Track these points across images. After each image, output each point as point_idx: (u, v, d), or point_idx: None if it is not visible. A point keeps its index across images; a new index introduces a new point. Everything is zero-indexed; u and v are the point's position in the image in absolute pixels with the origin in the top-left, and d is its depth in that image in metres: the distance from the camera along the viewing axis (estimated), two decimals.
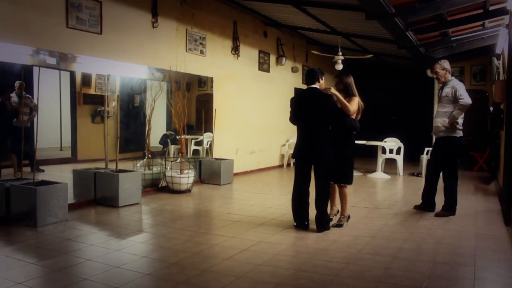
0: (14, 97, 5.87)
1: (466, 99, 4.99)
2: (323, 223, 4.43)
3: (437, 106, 5.42)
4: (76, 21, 5.34)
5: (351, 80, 4.68)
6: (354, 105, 4.52)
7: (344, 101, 4.42)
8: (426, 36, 8.21)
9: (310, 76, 4.53)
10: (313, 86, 4.49)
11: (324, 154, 4.38)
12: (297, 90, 11.10)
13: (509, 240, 4.22)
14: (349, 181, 4.66)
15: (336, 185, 4.74)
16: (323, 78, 4.57)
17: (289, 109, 4.63)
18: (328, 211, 4.62)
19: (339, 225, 4.61)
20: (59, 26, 5.18)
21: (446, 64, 5.34)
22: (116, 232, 4.40)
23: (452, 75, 5.44)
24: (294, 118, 4.60)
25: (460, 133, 5.13)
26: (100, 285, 2.96)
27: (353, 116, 4.56)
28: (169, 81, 7.04)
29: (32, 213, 4.40)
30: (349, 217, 4.74)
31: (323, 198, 4.45)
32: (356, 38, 9.24)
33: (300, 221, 4.53)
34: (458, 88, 5.07)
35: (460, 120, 5.08)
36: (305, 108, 4.45)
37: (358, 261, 3.54)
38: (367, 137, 9.77)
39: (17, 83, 5.60)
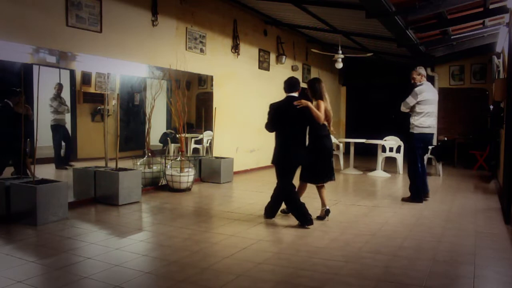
0: (56, 98, 5.95)
1: (401, 105, 5.95)
2: (271, 212, 4.87)
3: None
4: (76, 19, 5.33)
5: (320, 85, 4.95)
6: (321, 110, 4.73)
7: (316, 111, 4.64)
8: (426, 34, 8.21)
9: (290, 85, 4.78)
10: (293, 94, 4.73)
11: (302, 159, 4.71)
12: None
13: (509, 238, 4.23)
14: (320, 180, 4.94)
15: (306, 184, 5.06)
16: (300, 88, 4.84)
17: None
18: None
19: (320, 217, 4.90)
20: (59, 24, 5.17)
21: (421, 70, 5.98)
22: (116, 230, 4.41)
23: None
24: (272, 125, 4.78)
25: (418, 130, 5.81)
26: (100, 283, 2.96)
27: (321, 122, 4.76)
28: (169, 79, 7.04)
29: (32, 212, 4.40)
30: (327, 211, 4.95)
31: (280, 195, 4.80)
32: (356, 36, 9.24)
33: (302, 218, 4.61)
34: (411, 94, 5.85)
35: (417, 120, 5.78)
36: (285, 116, 4.68)
37: (358, 259, 3.54)
38: (367, 135, 9.79)
39: (56, 85, 5.92)
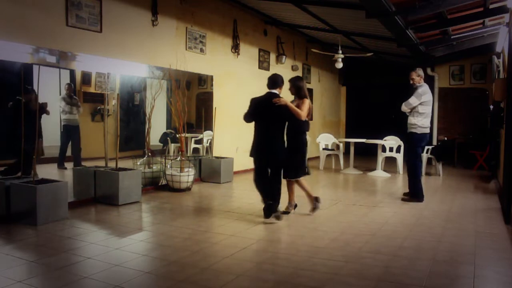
0: (66, 98, 5.97)
1: (403, 105, 5.98)
2: (272, 208, 4.79)
3: None
4: (76, 19, 5.33)
5: (302, 83, 5.08)
6: (305, 108, 4.84)
7: (295, 108, 4.75)
8: (426, 34, 8.21)
9: (272, 82, 4.87)
10: (274, 91, 4.82)
11: (278, 154, 4.78)
12: None
13: (509, 238, 4.23)
14: (300, 175, 5.05)
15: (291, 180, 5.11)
16: (282, 86, 4.92)
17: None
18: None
19: (286, 212, 5.07)
20: (59, 24, 5.17)
21: (420, 71, 6.05)
22: (116, 230, 4.41)
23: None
24: (250, 117, 4.90)
25: (420, 130, 5.90)
26: (100, 283, 2.96)
27: (305, 118, 4.90)
28: (169, 79, 7.04)
29: (32, 212, 4.40)
30: (295, 205, 5.23)
31: (274, 190, 4.83)
32: (356, 36, 9.24)
33: (269, 209, 4.72)
34: (415, 94, 5.90)
35: (420, 120, 5.88)
36: (264, 111, 4.77)
37: (358, 259, 3.54)
38: (367, 135, 9.79)
39: (66, 85, 5.98)
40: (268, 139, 4.77)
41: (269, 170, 4.88)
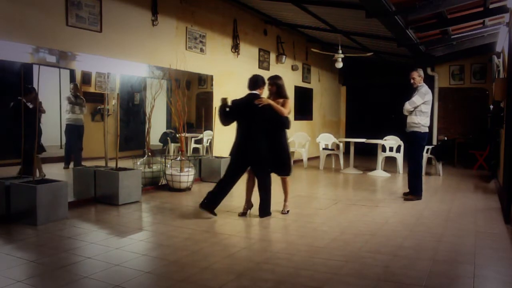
0: (70, 98, 5.98)
1: (407, 104, 5.98)
2: (265, 210, 4.94)
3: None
4: (76, 19, 5.33)
5: (282, 82, 5.08)
6: (288, 107, 4.90)
7: (278, 106, 4.79)
8: (426, 34, 8.21)
9: (253, 83, 4.91)
10: (255, 92, 4.87)
11: (260, 155, 4.81)
12: (297, 88, 11.12)
13: (509, 238, 4.23)
14: (288, 172, 5.09)
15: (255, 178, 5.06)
16: (264, 86, 4.97)
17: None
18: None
19: (285, 212, 5.12)
20: (59, 24, 5.17)
21: (421, 72, 6.12)
22: (116, 230, 4.41)
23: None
24: (228, 119, 4.98)
25: (423, 129, 5.98)
26: (100, 283, 2.96)
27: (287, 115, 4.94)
28: (169, 79, 7.04)
29: (32, 211, 4.40)
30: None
31: (265, 191, 4.91)
32: (356, 36, 9.24)
33: (210, 203, 4.79)
34: (418, 93, 5.95)
35: (423, 120, 5.92)
36: (246, 112, 4.81)
37: (358, 259, 3.54)
38: (367, 135, 9.79)
39: (71, 85, 6.02)
40: (251, 140, 4.79)
41: (256, 174, 4.92)
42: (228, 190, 4.93)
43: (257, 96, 4.81)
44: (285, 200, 5.20)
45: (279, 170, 5.04)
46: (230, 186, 4.93)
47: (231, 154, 4.95)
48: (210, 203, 4.82)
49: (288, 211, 5.14)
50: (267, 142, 4.85)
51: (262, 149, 4.81)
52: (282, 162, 4.99)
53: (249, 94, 4.89)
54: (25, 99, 5.03)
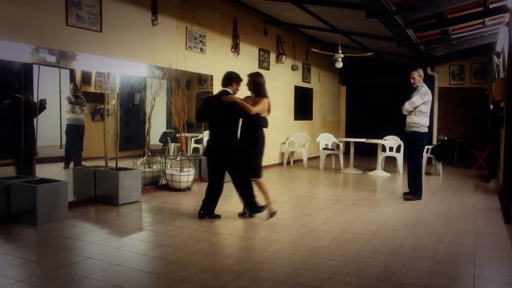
0: (70, 98, 5.99)
1: (407, 104, 5.97)
2: (252, 207, 4.84)
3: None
4: (76, 19, 5.33)
5: (262, 80, 4.86)
6: (261, 105, 4.69)
7: (243, 103, 4.58)
8: (426, 34, 8.21)
9: (225, 79, 4.81)
10: (226, 89, 4.76)
11: (226, 153, 4.71)
12: (297, 88, 11.12)
13: (509, 238, 4.23)
14: (257, 175, 4.79)
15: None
16: (239, 83, 4.84)
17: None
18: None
19: (273, 214, 4.83)
20: (58, 24, 5.17)
21: (421, 72, 6.12)
22: (116, 230, 4.41)
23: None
24: (201, 116, 5.04)
25: (423, 129, 5.98)
26: (100, 283, 2.96)
27: (264, 115, 4.76)
28: (169, 79, 7.04)
29: (32, 211, 4.40)
30: (265, 208, 4.85)
31: (240, 188, 4.82)
32: (356, 36, 9.24)
33: (207, 211, 4.78)
34: (418, 94, 5.95)
35: (423, 120, 5.93)
36: (215, 109, 4.70)
37: (358, 259, 3.54)
38: (367, 135, 9.79)
39: (71, 85, 6.04)
40: (219, 138, 4.72)
41: (228, 172, 4.80)
42: (218, 193, 4.83)
43: (227, 93, 4.70)
44: (267, 203, 4.84)
45: (247, 170, 4.79)
46: (218, 188, 4.81)
47: (204, 153, 4.89)
48: (207, 211, 4.80)
49: (273, 214, 4.82)
50: (239, 140, 4.72)
51: (230, 148, 4.69)
52: (249, 163, 4.76)
53: (220, 91, 4.81)
54: (23, 97, 5.04)
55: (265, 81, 4.90)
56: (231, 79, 4.79)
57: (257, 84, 4.84)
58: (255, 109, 4.63)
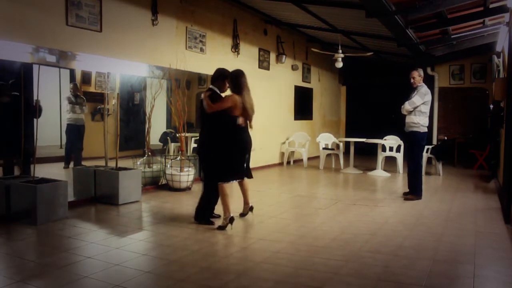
0: (70, 98, 6.00)
1: (407, 104, 5.98)
2: (199, 215, 4.66)
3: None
4: (76, 18, 5.33)
5: (239, 77, 4.51)
6: (223, 103, 4.40)
7: (206, 101, 4.38)
8: (426, 34, 8.21)
9: (212, 77, 4.66)
10: (211, 86, 4.60)
11: (200, 152, 4.71)
12: (297, 88, 11.12)
13: (509, 238, 4.23)
14: (217, 178, 4.42)
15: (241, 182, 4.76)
16: (224, 80, 4.57)
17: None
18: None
19: (221, 227, 4.37)
20: (58, 24, 5.16)
21: (421, 71, 6.12)
22: (116, 230, 4.41)
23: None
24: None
25: (423, 129, 6.00)
26: (100, 282, 2.96)
27: (237, 114, 4.42)
28: (169, 79, 7.04)
29: (32, 211, 4.40)
30: (231, 219, 4.34)
31: (204, 193, 4.66)
32: (356, 36, 9.24)
33: (205, 217, 4.68)
34: (418, 93, 5.95)
35: (423, 119, 5.94)
36: (201, 108, 4.60)
37: (358, 259, 3.54)
38: (367, 135, 9.79)
39: (71, 85, 6.07)
40: (200, 136, 4.72)
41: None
42: (215, 197, 4.64)
43: (210, 91, 4.50)
44: (223, 212, 4.44)
45: (209, 172, 4.55)
46: (212, 192, 4.57)
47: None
48: (205, 217, 4.67)
49: (229, 222, 4.34)
50: (215, 139, 4.48)
51: (203, 146, 4.63)
52: (211, 164, 4.52)
53: (207, 89, 4.71)
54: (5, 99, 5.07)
55: (243, 78, 4.53)
56: (217, 76, 4.61)
57: (232, 81, 4.54)
58: (213, 107, 4.38)
